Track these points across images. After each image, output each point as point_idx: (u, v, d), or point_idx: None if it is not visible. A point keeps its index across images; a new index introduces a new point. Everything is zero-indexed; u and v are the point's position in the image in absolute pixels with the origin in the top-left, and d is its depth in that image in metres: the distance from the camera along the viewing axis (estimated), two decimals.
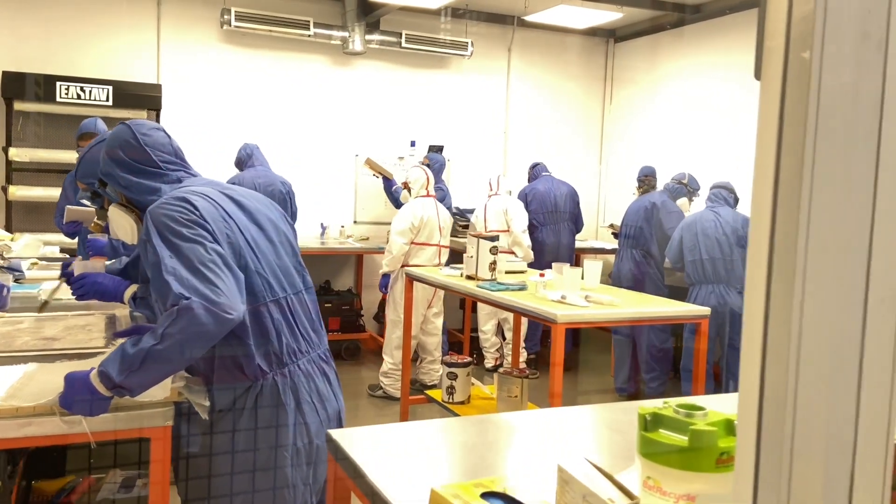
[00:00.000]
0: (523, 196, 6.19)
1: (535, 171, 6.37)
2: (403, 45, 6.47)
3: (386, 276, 5.36)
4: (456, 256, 5.24)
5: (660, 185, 5.80)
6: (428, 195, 5.50)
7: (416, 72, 6.88)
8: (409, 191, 5.52)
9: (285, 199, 5.32)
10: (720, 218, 4.83)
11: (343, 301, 6.29)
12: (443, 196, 5.88)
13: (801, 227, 0.54)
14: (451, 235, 5.71)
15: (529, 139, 7.42)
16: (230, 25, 5.91)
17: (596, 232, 7.74)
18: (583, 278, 3.73)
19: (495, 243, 3.95)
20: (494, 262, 3.93)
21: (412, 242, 5.35)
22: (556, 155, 7.33)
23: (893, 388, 0.57)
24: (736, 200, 5.02)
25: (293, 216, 5.45)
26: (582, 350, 7.01)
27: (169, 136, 1.91)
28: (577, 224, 6.34)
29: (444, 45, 6.61)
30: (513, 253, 5.63)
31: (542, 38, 7.35)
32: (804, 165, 0.55)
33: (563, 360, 3.03)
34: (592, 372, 6.51)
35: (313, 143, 6.54)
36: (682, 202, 5.52)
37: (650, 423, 0.95)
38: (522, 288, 3.68)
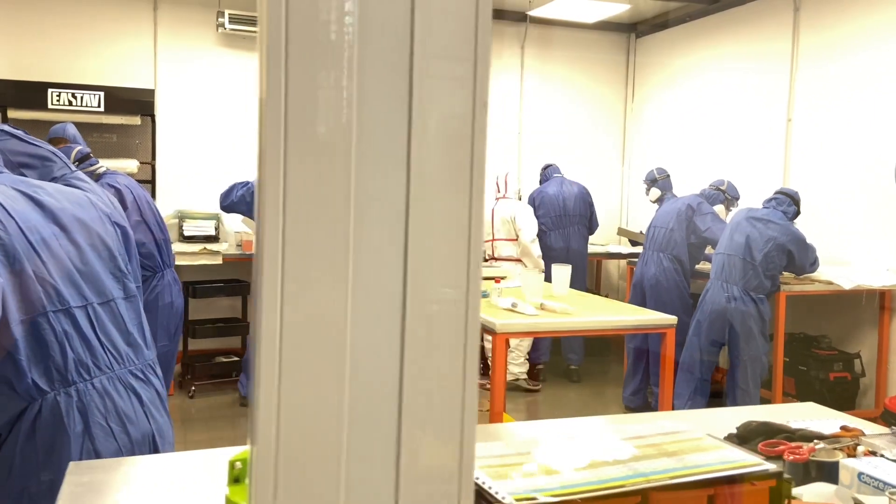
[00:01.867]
0: (532, 200, 5.89)
1: (547, 173, 6.06)
2: None
3: None
4: None
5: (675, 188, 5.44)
6: None
7: None
8: None
9: None
10: (769, 222, 4.40)
11: None
12: None
13: None
14: None
15: (546, 140, 7.11)
16: (225, 28, 5.82)
17: (619, 237, 7.35)
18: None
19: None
20: None
21: None
22: (575, 156, 7.00)
23: None
24: (796, 213, 4.48)
25: None
26: (602, 360, 6.66)
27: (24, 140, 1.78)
28: (590, 226, 6.00)
29: None
30: (521, 262, 5.35)
31: (558, 34, 7.03)
32: None
33: (503, 372, 2.76)
34: (609, 383, 6.15)
35: None
36: (718, 209, 5.09)
37: (238, 473, 0.71)
38: (484, 295, 3.41)
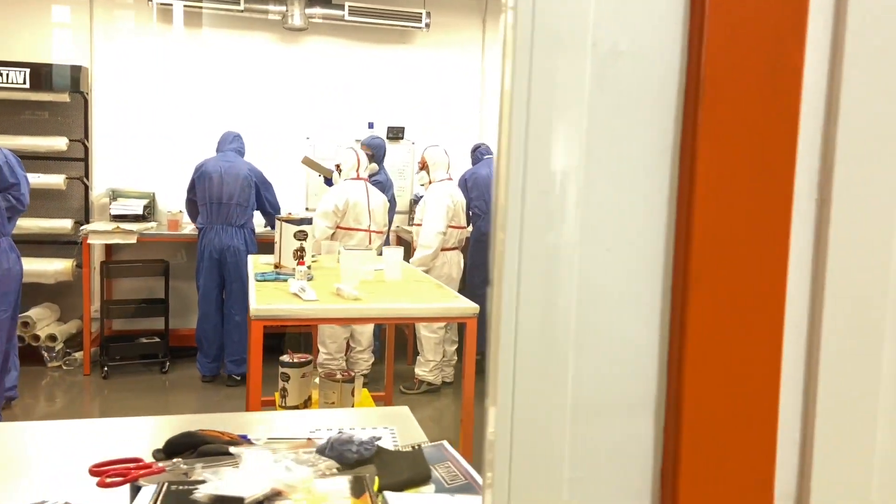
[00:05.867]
0: (463, 182, 5.58)
1: (478, 154, 5.73)
2: (346, 17, 6.01)
3: None
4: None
5: None
6: (358, 178, 5.09)
7: (373, 47, 6.40)
8: (340, 172, 5.15)
9: (251, 186, 5.24)
10: None
11: None
12: (383, 184, 5.45)
13: None
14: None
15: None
16: (156, 1, 5.70)
17: None
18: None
19: (302, 227, 3.45)
20: (301, 250, 3.43)
21: (338, 227, 4.96)
22: None
23: None
24: None
25: (266, 203, 5.35)
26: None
27: None
28: None
29: (394, 17, 6.08)
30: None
31: None
32: None
33: (260, 363, 2.51)
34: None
35: (260, 127, 6.21)
36: None
37: None
38: (283, 278, 3.15)
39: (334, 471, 0.94)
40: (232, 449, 0.95)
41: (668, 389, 0.62)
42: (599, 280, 0.61)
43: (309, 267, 3.32)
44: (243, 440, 1.10)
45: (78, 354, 5.43)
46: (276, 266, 3.46)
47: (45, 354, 5.39)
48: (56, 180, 5.52)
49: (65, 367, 5.40)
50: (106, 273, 5.28)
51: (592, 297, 0.61)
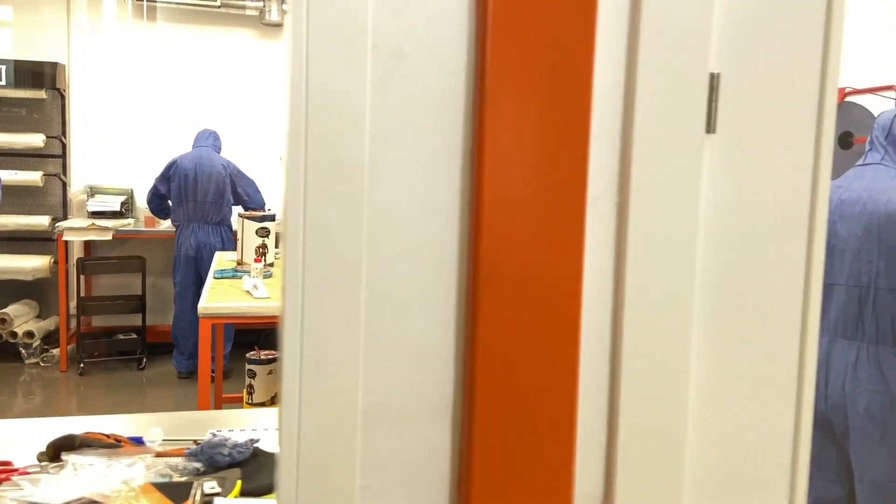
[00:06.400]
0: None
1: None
2: None
3: None
4: None
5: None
6: None
7: None
8: None
9: (226, 183, 5.24)
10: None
11: None
12: None
13: None
14: None
15: None
16: None
17: None
18: None
19: (265, 224, 3.44)
20: (263, 247, 3.42)
21: None
22: None
23: None
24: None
25: (244, 198, 5.31)
26: None
27: None
28: None
29: None
30: None
31: None
32: None
33: (209, 361, 2.51)
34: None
35: (240, 123, 6.19)
36: None
37: None
38: (238, 275, 3.14)
39: (175, 476, 0.93)
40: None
41: (464, 395, 0.62)
42: (389, 285, 0.61)
43: (271, 264, 3.32)
44: (133, 443, 1.09)
45: (55, 351, 5.42)
46: (239, 263, 3.45)
47: (23, 351, 5.39)
48: (33, 177, 5.51)
49: (42, 364, 5.40)
50: (81, 269, 5.27)
51: (382, 302, 0.60)
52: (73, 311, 5.50)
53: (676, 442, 0.65)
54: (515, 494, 0.62)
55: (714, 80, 0.63)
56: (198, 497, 0.88)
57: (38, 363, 5.44)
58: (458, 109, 0.60)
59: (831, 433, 1.95)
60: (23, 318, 5.47)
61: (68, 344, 5.34)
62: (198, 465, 0.98)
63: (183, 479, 0.93)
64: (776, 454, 0.67)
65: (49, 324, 5.63)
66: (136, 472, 0.91)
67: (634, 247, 0.62)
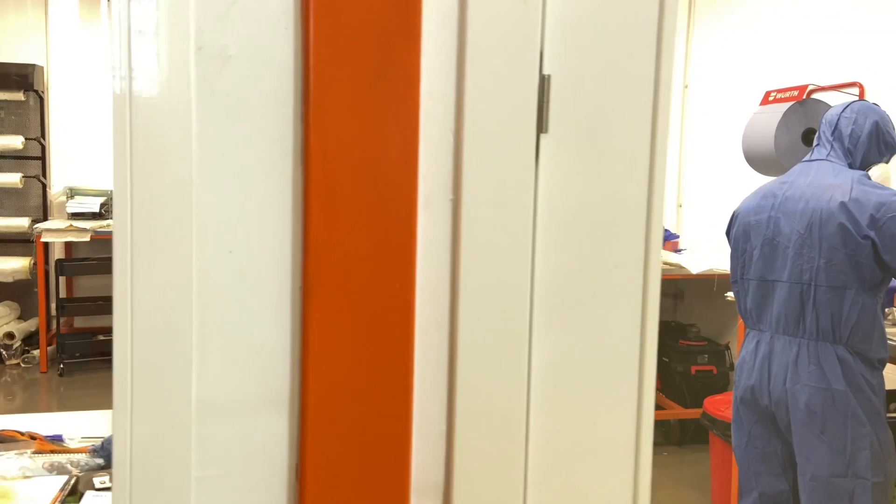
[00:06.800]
0: None
1: None
2: None
3: None
4: None
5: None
6: None
7: None
8: None
9: None
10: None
11: None
12: None
13: None
14: None
15: None
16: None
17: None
18: None
19: None
20: None
21: None
22: None
23: None
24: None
25: None
26: None
27: None
28: None
29: None
30: None
31: None
32: None
33: None
34: None
35: None
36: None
37: None
38: None
39: (74, 471, 0.95)
40: None
41: (301, 388, 0.63)
42: (223, 281, 0.62)
43: None
44: (50, 440, 1.11)
45: (36, 352, 5.43)
46: None
47: (4, 352, 5.39)
48: (13, 179, 5.52)
49: (23, 365, 5.41)
50: (61, 271, 5.27)
51: (215, 298, 0.62)
52: (53, 312, 5.50)
53: (517, 429, 0.66)
54: (351, 483, 0.63)
55: (545, 82, 0.64)
56: (67, 491, 0.90)
57: (19, 364, 5.45)
58: (287, 110, 0.61)
59: (776, 428, 1.96)
60: (4, 320, 5.47)
61: (48, 345, 5.35)
62: (99, 460, 1.00)
63: (82, 473, 0.95)
64: (620, 439, 0.69)
65: (30, 325, 5.63)
66: (25, 463, 0.93)
67: (469, 242, 0.64)
